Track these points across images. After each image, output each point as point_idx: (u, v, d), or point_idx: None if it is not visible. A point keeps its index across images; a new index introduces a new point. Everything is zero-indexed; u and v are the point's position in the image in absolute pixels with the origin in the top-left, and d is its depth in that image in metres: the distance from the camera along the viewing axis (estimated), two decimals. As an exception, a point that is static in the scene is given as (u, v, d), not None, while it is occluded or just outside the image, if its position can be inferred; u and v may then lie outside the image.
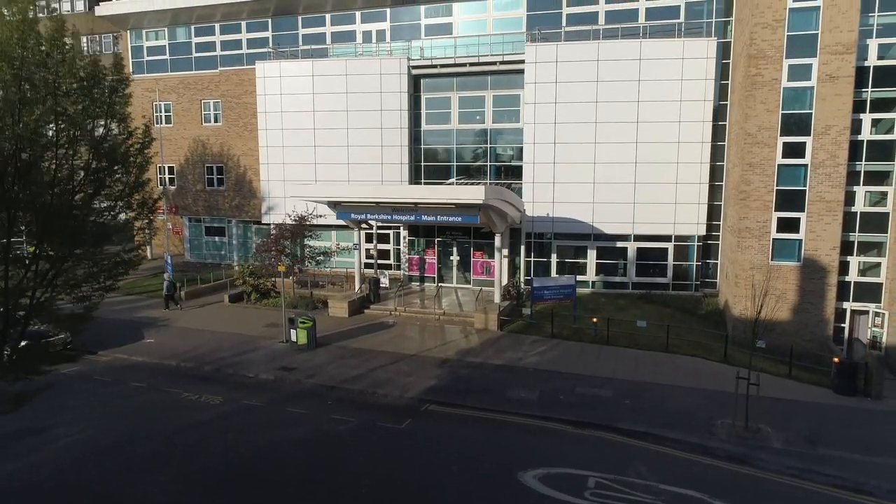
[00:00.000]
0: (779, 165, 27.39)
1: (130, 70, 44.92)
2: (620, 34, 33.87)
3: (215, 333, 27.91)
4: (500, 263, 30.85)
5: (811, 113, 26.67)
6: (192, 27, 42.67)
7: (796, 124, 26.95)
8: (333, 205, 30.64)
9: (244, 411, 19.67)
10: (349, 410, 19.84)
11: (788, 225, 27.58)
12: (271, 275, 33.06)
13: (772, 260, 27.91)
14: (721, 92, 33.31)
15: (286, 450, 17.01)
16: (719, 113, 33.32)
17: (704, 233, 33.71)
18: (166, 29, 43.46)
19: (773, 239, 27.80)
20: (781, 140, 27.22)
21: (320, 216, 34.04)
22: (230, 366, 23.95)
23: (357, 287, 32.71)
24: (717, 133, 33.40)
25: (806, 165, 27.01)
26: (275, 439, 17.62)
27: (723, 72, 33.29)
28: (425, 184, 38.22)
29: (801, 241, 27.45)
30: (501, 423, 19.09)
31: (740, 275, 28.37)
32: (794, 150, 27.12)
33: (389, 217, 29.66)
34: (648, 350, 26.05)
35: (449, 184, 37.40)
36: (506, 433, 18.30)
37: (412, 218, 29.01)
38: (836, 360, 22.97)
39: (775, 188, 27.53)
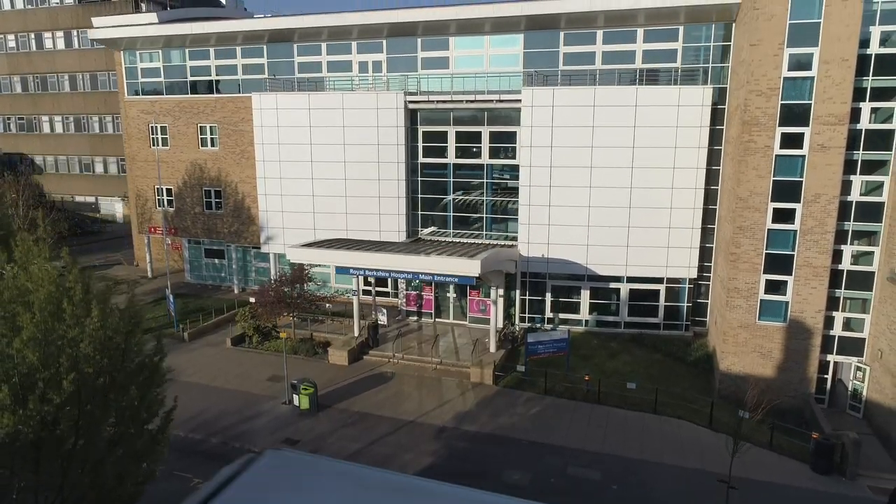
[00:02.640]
0: (768, 230, 27.95)
1: (125, 91, 44.87)
2: (617, 77, 33.94)
3: (220, 391, 28.86)
4: (495, 315, 31.70)
5: (802, 181, 27.11)
6: (187, 50, 42.32)
7: (787, 191, 27.38)
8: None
9: (252, 505, 20.72)
10: None
11: (776, 287, 28.31)
12: (273, 313, 33.74)
13: (759, 319, 28.76)
14: (717, 137, 33.51)
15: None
16: (713, 157, 33.63)
17: (696, 276, 34.48)
18: (160, 51, 43.09)
19: (761, 300, 28.57)
20: (772, 206, 27.71)
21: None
22: (236, 437, 24.98)
23: (356, 331, 33.53)
24: (711, 178, 33.81)
25: (795, 231, 27.58)
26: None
27: (720, 116, 33.43)
28: (422, 214, 38.90)
29: (787, 302, 28.23)
30: (495, 517, 20.18)
31: (728, 332, 29.28)
32: (784, 216, 27.65)
33: (387, 275, 30.36)
34: (638, 411, 27.20)
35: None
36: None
37: (409, 276, 29.69)
38: (814, 435, 24.11)
39: (764, 251, 28.15)
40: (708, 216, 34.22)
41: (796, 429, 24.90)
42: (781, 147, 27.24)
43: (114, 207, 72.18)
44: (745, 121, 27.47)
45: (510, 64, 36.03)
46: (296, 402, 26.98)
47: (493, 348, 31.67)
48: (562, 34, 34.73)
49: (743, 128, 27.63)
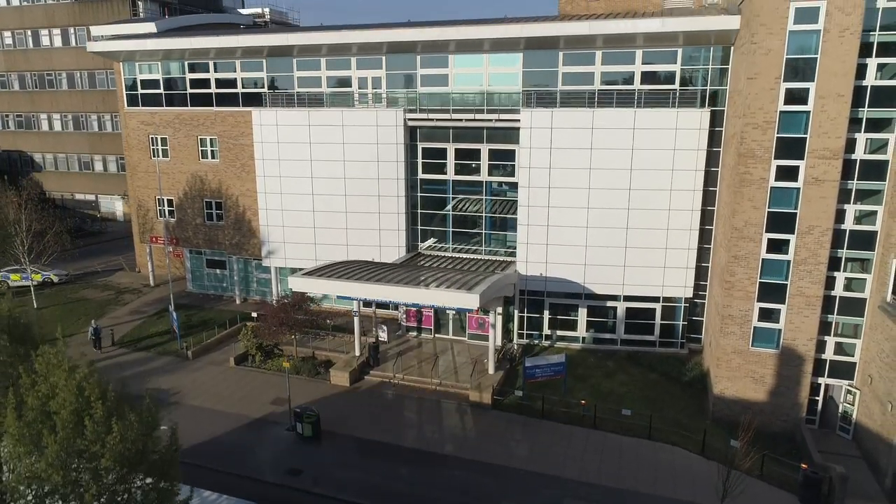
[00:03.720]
0: (763, 260, 28.41)
1: (125, 102, 44.94)
2: (616, 99, 34.05)
3: (225, 416, 29.45)
4: (493, 337, 32.24)
5: (796, 213, 27.49)
6: (186, 63, 42.28)
7: (781, 222, 27.76)
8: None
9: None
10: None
11: (769, 314, 28.84)
12: (276, 334, 34.29)
13: (752, 346, 29.34)
14: (714, 159, 33.71)
15: None
16: (710, 179, 33.92)
17: (691, 295, 34.98)
18: (159, 63, 43.03)
19: (754, 327, 29.13)
20: (766, 236, 28.14)
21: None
22: (240, 465, 25.63)
23: (357, 350, 34.09)
24: (708, 198, 34.12)
25: (789, 261, 28.03)
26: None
27: (717, 138, 33.57)
28: (421, 228, 39.36)
29: (780, 330, 28.78)
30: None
31: (722, 357, 29.88)
32: (778, 247, 28.08)
33: (388, 303, 30.85)
34: (633, 436, 27.88)
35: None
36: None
37: (410, 304, 30.20)
38: (803, 465, 24.82)
39: (758, 280, 28.64)
40: (704, 236, 34.59)
41: (786, 460, 25.56)
42: (777, 179, 27.58)
43: (114, 206, 72.39)
44: (742, 153, 27.77)
45: (509, 82, 36.12)
46: (299, 429, 27.61)
47: (491, 369, 32.27)
48: (561, 54, 34.78)
49: (739, 159, 27.94)
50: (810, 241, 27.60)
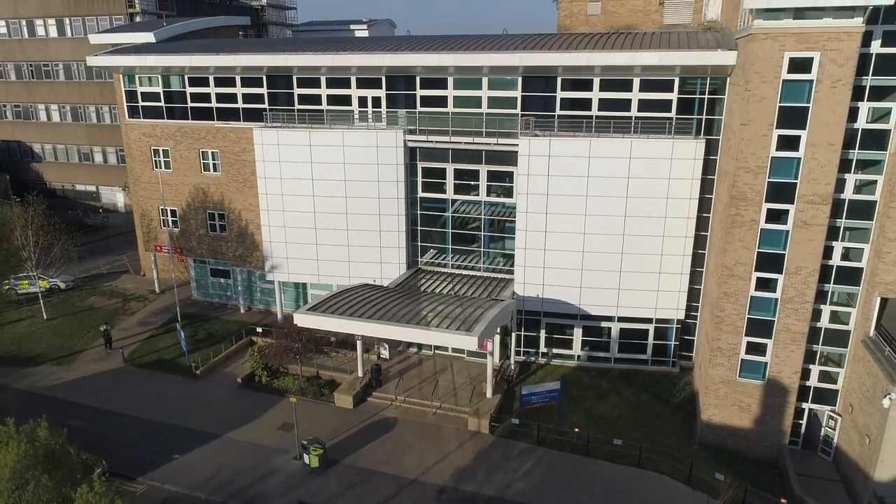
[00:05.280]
0: (751, 297, 29.41)
1: (125, 114, 45.20)
2: (613, 126, 34.49)
3: (235, 444, 30.79)
4: (491, 363, 33.47)
5: (784, 254, 28.37)
6: (186, 77, 42.40)
7: (770, 262, 28.66)
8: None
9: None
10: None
11: (756, 348, 29.99)
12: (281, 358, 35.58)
13: (739, 377, 30.59)
14: (708, 186, 34.36)
15: None
16: (704, 205, 34.63)
17: (683, 316, 36.08)
18: (160, 77, 43.13)
19: (742, 359, 30.32)
20: (756, 275, 29.07)
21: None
22: (252, 500, 27.08)
23: (360, 370, 35.39)
24: (701, 224, 34.87)
25: (776, 299, 29.04)
26: None
27: (712, 166, 34.14)
28: (421, 245, 40.21)
29: (766, 363, 29.98)
30: None
31: (710, 386, 31.16)
32: (767, 285, 29.06)
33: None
34: (624, 464, 29.27)
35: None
36: None
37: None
38: (783, 501, 26.31)
39: (747, 316, 29.71)
40: (697, 260, 35.47)
41: (767, 496, 26.98)
42: (767, 222, 28.37)
43: (115, 197, 72.86)
44: (734, 195, 28.50)
45: (508, 105, 36.44)
46: (306, 460, 28.97)
47: (489, 393, 33.59)
48: (559, 79, 35.12)
49: (731, 201, 28.68)
50: (797, 281, 28.56)
